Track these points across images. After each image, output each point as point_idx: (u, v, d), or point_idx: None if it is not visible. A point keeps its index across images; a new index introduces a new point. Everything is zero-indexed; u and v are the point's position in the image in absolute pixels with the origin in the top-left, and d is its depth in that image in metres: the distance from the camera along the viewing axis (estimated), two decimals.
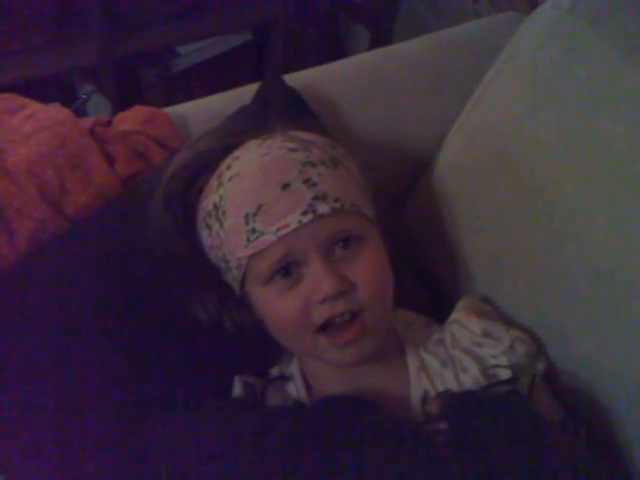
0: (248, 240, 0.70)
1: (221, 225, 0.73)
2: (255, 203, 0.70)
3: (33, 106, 0.95)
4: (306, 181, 0.71)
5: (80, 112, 1.64)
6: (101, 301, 0.82)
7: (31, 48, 1.71)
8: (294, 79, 1.00)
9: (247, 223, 0.70)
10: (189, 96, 1.09)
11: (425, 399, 0.76)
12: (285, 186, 0.70)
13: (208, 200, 0.75)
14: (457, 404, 0.71)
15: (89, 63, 1.78)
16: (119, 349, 0.80)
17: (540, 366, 0.78)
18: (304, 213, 0.69)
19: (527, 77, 0.87)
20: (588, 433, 0.75)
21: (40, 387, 0.79)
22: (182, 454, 0.72)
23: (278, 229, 0.69)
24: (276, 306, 0.73)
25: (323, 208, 0.70)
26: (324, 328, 0.72)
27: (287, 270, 0.72)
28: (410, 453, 0.66)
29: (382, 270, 0.75)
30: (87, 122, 0.94)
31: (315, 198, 0.70)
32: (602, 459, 0.69)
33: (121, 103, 1.71)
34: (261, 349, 0.83)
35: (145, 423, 0.77)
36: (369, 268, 0.73)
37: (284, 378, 0.82)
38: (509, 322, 0.84)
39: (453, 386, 0.76)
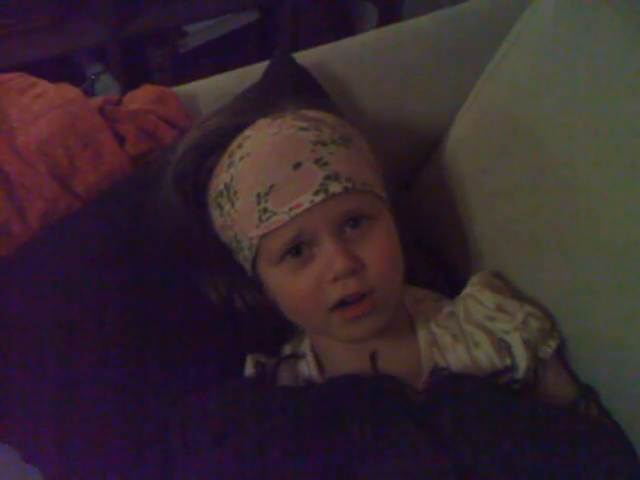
0: (260, 220, 0.70)
1: (232, 205, 0.73)
2: (267, 183, 0.70)
3: (43, 85, 0.95)
4: (317, 160, 0.70)
5: (89, 93, 1.64)
6: (109, 282, 0.82)
7: (38, 28, 1.71)
8: (302, 57, 0.99)
9: (259, 203, 0.70)
10: (197, 75, 1.08)
11: (434, 372, 0.76)
12: (296, 165, 0.70)
13: (219, 180, 0.75)
14: (445, 387, 0.73)
15: (96, 43, 1.78)
16: (127, 329, 0.81)
17: (553, 343, 0.78)
18: (316, 193, 0.69)
19: (540, 53, 0.86)
20: (598, 410, 0.76)
21: (40, 373, 0.80)
22: (191, 434, 0.73)
23: (290, 209, 0.69)
24: (288, 285, 0.73)
25: (335, 187, 0.70)
26: (336, 306, 0.72)
27: (298, 249, 0.72)
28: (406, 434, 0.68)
29: (392, 250, 0.75)
30: (97, 101, 0.94)
31: (327, 177, 0.70)
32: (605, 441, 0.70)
33: (129, 83, 1.71)
34: (272, 328, 0.83)
35: (154, 404, 0.78)
36: (379, 248, 0.73)
37: (296, 356, 0.82)
38: (521, 298, 0.84)
39: (465, 360, 0.77)
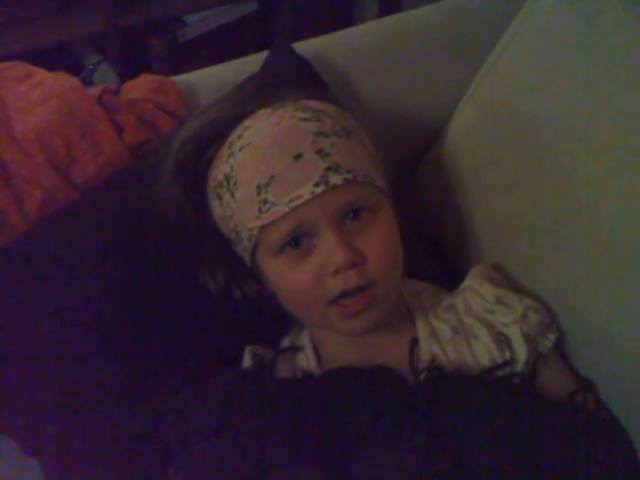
0: (260, 211, 0.70)
1: (232, 195, 0.72)
2: (267, 174, 0.69)
3: (41, 74, 0.94)
4: (318, 151, 0.70)
5: (87, 82, 1.63)
6: (108, 273, 0.82)
7: (37, 18, 1.70)
8: (302, 47, 0.99)
9: (259, 194, 0.70)
10: (196, 65, 1.08)
11: (432, 365, 0.76)
12: (297, 156, 0.69)
13: (219, 170, 0.74)
14: (437, 382, 0.73)
15: (95, 33, 1.77)
16: (125, 320, 0.81)
17: (552, 336, 0.78)
18: (317, 184, 0.69)
19: (541, 45, 0.86)
20: (597, 403, 0.76)
21: (40, 365, 0.80)
22: (189, 427, 0.73)
23: (290, 200, 0.69)
24: (288, 277, 0.73)
25: (336, 179, 0.69)
26: (335, 298, 0.72)
27: (297, 241, 0.71)
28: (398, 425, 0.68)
29: (392, 243, 0.75)
30: (95, 90, 0.93)
31: (328, 169, 0.69)
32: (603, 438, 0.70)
33: (128, 73, 1.70)
34: (271, 320, 0.83)
35: (153, 397, 0.78)
36: (380, 240, 0.72)
37: (294, 349, 0.82)
38: (521, 291, 0.83)
39: (465, 352, 0.77)
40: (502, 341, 0.77)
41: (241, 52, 1.08)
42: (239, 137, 0.74)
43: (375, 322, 0.74)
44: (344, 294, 0.71)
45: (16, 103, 0.89)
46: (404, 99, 1.06)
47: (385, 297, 0.73)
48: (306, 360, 0.81)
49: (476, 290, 0.81)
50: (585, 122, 0.79)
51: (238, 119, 0.76)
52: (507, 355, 0.76)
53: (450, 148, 0.98)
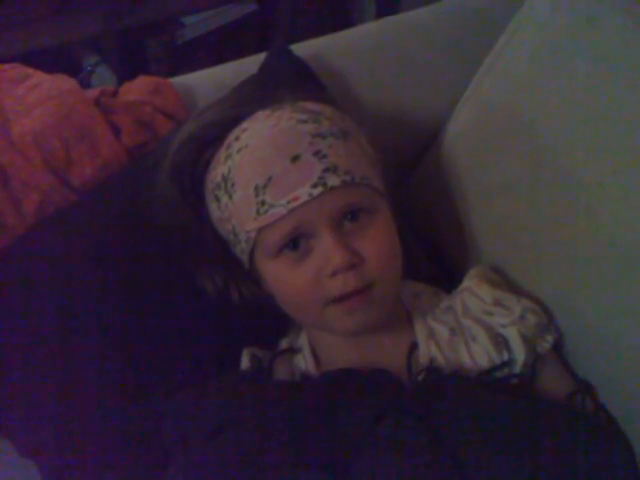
0: (258, 213, 0.70)
1: (230, 197, 0.72)
2: (265, 175, 0.69)
3: (38, 76, 0.94)
4: (316, 153, 0.70)
5: (85, 84, 1.63)
6: (106, 274, 0.82)
7: (34, 19, 1.70)
8: (300, 49, 0.99)
9: (257, 195, 0.70)
10: (194, 67, 1.08)
11: (431, 367, 0.76)
12: (295, 158, 0.69)
13: (216, 172, 0.74)
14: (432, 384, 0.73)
15: (93, 34, 1.77)
16: (124, 322, 0.81)
17: (550, 337, 0.78)
18: (314, 186, 0.69)
19: (539, 45, 0.86)
20: (595, 405, 0.76)
21: (40, 366, 0.80)
22: (187, 428, 0.73)
23: (288, 202, 0.69)
24: (286, 279, 0.73)
25: (333, 181, 0.69)
26: (334, 300, 0.71)
27: (295, 243, 0.71)
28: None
29: (391, 244, 0.75)
30: (93, 92, 0.93)
31: (325, 170, 0.69)
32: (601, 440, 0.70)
33: (126, 74, 1.70)
34: (269, 321, 0.83)
35: (152, 398, 0.78)
36: (378, 242, 0.72)
37: (292, 350, 0.82)
38: (519, 292, 0.83)
39: (463, 354, 0.77)
40: (500, 342, 0.76)
41: (239, 53, 1.08)
42: (237, 139, 0.73)
43: (371, 321, 0.74)
44: (342, 296, 0.71)
45: (13, 105, 0.89)
46: (402, 100, 1.05)
47: (383, 298, 0.73)
48: (304, 362, 0.80)
49: (474, 291, 0.81)
50: (584, 122, 0.79)
51: (236, 121, 0.76)
52: (505, 356, 0.76)
53: (448, 149, 0.98)
